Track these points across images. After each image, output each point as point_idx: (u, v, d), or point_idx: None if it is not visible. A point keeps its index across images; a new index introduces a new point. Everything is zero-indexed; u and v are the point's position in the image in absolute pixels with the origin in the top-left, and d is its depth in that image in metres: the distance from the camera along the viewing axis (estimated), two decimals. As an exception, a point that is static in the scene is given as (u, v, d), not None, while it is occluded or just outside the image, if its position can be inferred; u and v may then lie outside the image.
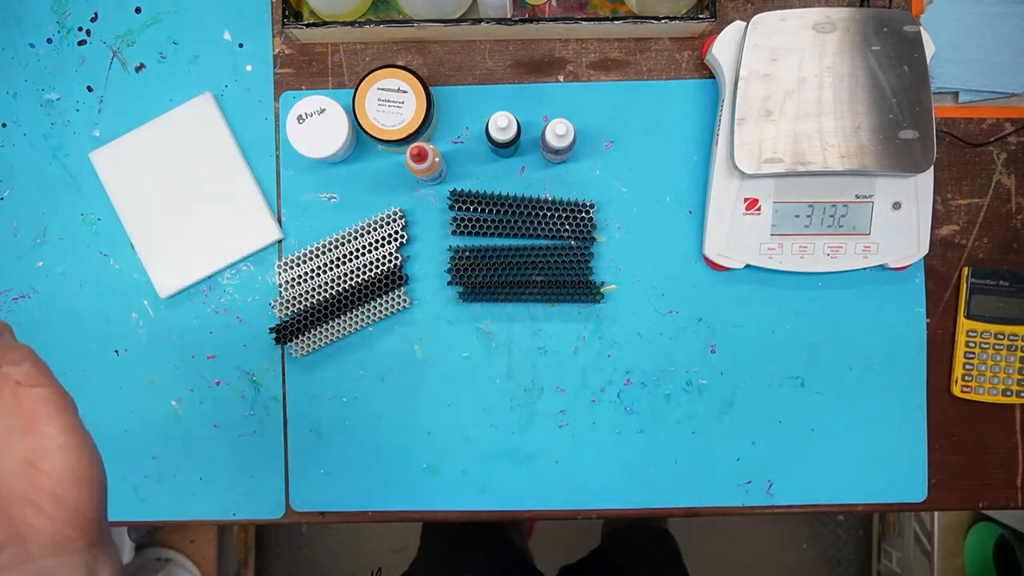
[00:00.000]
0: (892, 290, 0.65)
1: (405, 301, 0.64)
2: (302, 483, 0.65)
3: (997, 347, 0.64)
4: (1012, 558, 1.08)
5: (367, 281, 0.63)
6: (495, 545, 0.90)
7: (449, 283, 0.64)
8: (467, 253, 0.64)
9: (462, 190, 0.64)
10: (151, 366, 0.66)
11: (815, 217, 0.61)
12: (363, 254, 0.63)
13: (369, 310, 0.64)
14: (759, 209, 0.61)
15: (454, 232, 0.64)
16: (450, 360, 0.65)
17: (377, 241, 0.64)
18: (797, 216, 0.61)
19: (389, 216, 0.64)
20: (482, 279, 0.63)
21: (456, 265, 0.64)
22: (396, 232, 0.63)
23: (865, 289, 0.65)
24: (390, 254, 0.63)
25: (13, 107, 0.66)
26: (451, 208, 0.64)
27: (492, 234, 0.64)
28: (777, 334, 0.65)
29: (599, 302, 0.64)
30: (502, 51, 0.66)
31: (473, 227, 0.64)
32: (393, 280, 0.63)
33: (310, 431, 0.65)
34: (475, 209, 0.64)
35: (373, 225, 0.64)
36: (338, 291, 0.64)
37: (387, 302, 0.64)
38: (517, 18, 0.63)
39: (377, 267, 0.63)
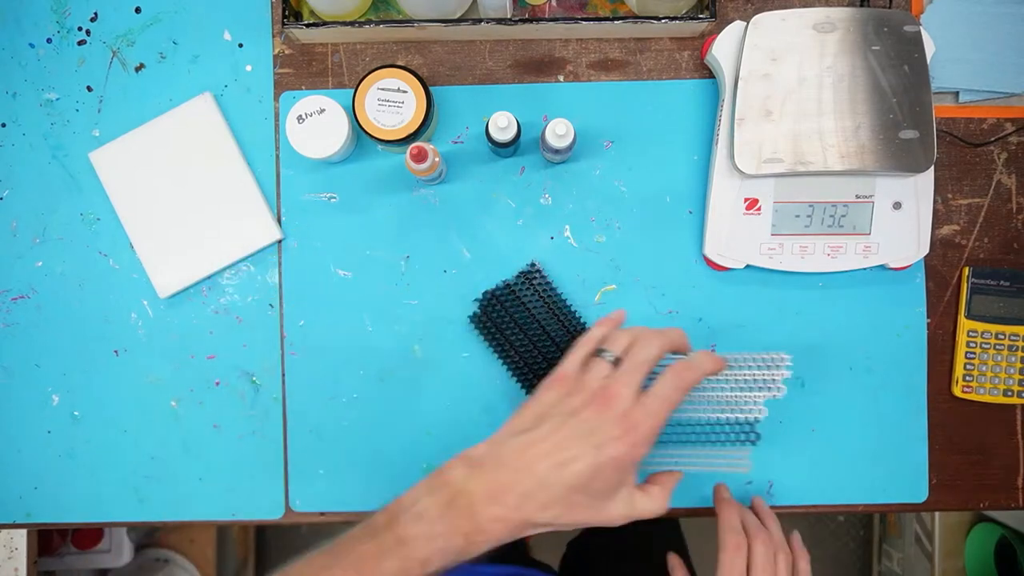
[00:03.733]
0: (892, 290, 0.65)
1: (743, 465, 0.52)
2: (302, 483, 0.65)
3: (998, 347, 0.64)
4: (1013, 559, 1.08)
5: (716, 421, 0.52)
6: None
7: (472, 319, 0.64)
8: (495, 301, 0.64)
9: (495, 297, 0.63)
10: (151, 366, 0.66)
11: (815, 217, 0.61)
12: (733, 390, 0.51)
13: (707, 454, 0.53)
14: (759, 209, 0.61)
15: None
16: (450, 360, 0.65)
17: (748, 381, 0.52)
18: (797, 216, 0.61)
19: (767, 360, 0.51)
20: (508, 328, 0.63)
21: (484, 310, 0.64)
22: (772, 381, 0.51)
23: (865, 289, 0.65)
24: (755, 404, 0.51)
25: (13, 107, 0.66)
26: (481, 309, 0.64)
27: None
28: (777, 334, 0.65)
29: None
30: (502, 51, 0.66)
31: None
32: (741, 434, 0.51)
33: (310, 431, 0.65)
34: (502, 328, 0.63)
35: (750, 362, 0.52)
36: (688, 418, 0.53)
37: (727, 456, 0.53)
38: (517, 18, 0.63)
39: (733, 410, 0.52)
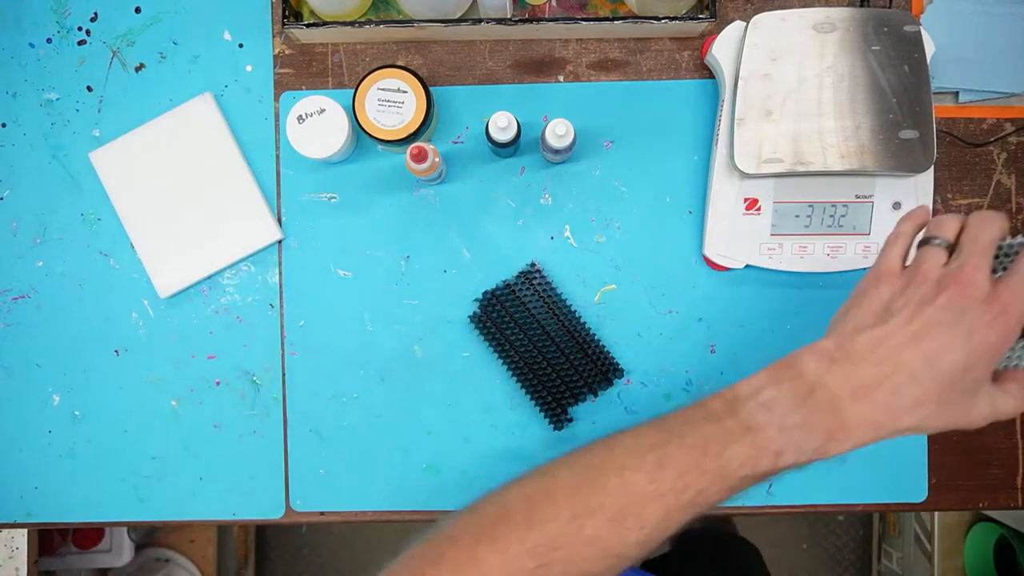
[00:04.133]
0: (892, 290, 0.65)
1: None
2: (302, 483, 0.65)
3: (997, 347, 0.64)
4: (1012, 558, 1.08)
5: None
6: None
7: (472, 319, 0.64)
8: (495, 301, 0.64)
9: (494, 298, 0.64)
10: (151, 366, 0.66)
11: (815, 217, 0.61)
12: None
13: None
14: (759, 209, 0.61)
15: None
16: (450, 360, 0.65)
17: None
18: (797, 216, 0.61)
19: None
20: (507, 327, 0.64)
21: (484, 310, 0.64)
22: None
23: (865, 289, 0.65)
24: None
25: (13, 107, 0.66)
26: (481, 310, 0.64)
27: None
28: (777, 334, 0.65)
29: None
30: (502, 51, 0.66)
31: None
32: None
33: (310, 431, 0.65)
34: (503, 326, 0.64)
35: None
36: None
37: None
38: (517, 18, 0.63)
39: None
